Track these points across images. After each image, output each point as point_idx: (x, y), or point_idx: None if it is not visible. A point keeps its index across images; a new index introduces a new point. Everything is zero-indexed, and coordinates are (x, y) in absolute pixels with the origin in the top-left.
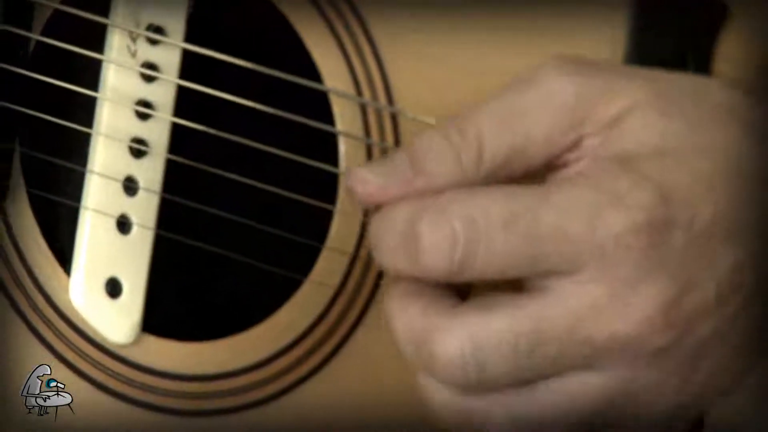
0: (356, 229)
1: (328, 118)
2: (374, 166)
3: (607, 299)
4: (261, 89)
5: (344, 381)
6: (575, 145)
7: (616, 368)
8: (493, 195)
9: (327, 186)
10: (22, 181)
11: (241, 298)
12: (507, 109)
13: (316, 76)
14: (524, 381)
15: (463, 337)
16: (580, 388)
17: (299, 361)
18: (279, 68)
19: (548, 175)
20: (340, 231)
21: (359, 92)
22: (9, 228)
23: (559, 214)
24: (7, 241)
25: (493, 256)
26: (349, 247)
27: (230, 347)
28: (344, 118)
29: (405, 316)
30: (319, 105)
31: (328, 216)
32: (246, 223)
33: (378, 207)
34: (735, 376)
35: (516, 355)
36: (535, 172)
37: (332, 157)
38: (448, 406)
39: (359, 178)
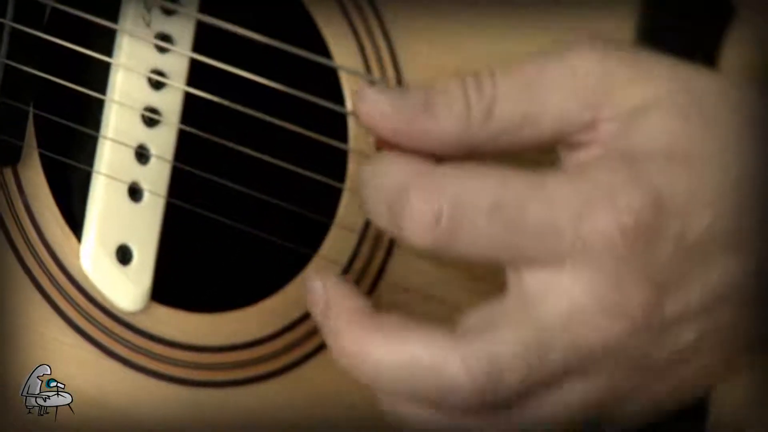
0: None
1: (339, 98)
2: (389, 91)
3: (589, 301)
4: (272, 68)
5: None
6: (591, 126)
7: (608, 372)
8: (486, 177)
9: (336, 163)
10: (35, 145)
11: (250, 270)
12: (528, 77)
13: (327, 57)
14: (532, 392)
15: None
16: (578, 394)
17: (307, 336)
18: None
19: (561, 152)
20: (349, 208)
21: (369, 71)
22: (21, 191)
23: (547, 206)
24: (19, 204)
25: (474, 240)
26: (358, 224)
27: (238, 319)
28: (354, 97)
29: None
30: (330, 85)
31: (337, 193)
32: (256, 196)
33: (377, 141)
34: (726, 376)
35: (529, 366)
36: (546, 146)
37: (342, 136)
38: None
39: (369, 97)
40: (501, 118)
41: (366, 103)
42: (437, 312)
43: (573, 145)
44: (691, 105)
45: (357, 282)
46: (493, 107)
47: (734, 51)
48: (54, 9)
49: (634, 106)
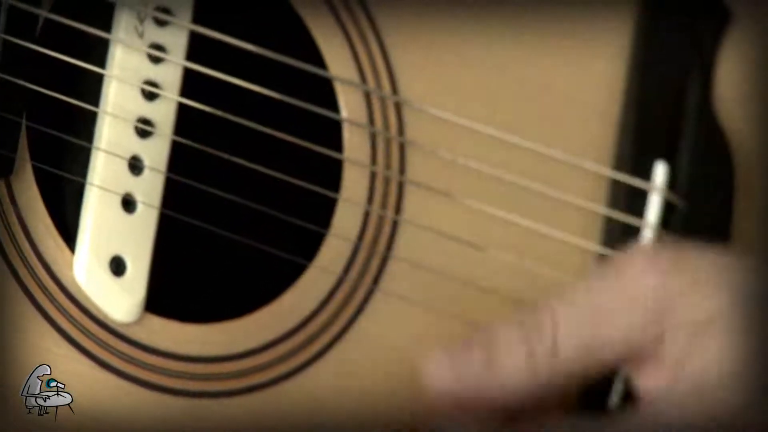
0: (360, 216)
1: (333, 107)
2: (450, 356)
3: None
4: (266, 77)
5: (346, 367)
6: (659, 339)
7: None
8: None
9: (332, 173)
10: (28, 157)
11: (245, 281)
12: (587, 306)
13: (322, 67)
14: None
15: None
16: None
17: (302, 346)
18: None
19: (628, 370)
20: (344, 218)
21: (364, 80)
22: (14, 203)
23: None
24: (12, 216)
25: None
26: (353, 234)
27: (233, 330)
28: (348, 106)
29: None
30: (324, 94)
31: (332, 202)
32: (250, 206)
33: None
34: None
35: None
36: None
37: (336, 145)
38: None
39: (432, 371)
40: (566, 355)
41: (431, 378)
42: (436, 323)
43: (640, 361)
44: (748, 317)
45: (353, 291)
46: (557, 347)
47: (734, 51)
48: (47, 20)
49: (698, 321)
